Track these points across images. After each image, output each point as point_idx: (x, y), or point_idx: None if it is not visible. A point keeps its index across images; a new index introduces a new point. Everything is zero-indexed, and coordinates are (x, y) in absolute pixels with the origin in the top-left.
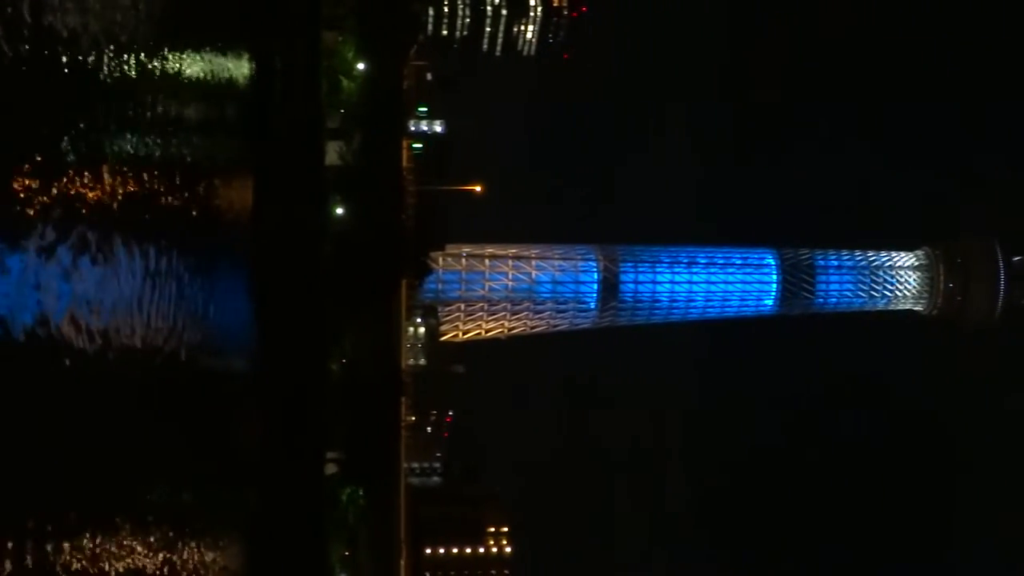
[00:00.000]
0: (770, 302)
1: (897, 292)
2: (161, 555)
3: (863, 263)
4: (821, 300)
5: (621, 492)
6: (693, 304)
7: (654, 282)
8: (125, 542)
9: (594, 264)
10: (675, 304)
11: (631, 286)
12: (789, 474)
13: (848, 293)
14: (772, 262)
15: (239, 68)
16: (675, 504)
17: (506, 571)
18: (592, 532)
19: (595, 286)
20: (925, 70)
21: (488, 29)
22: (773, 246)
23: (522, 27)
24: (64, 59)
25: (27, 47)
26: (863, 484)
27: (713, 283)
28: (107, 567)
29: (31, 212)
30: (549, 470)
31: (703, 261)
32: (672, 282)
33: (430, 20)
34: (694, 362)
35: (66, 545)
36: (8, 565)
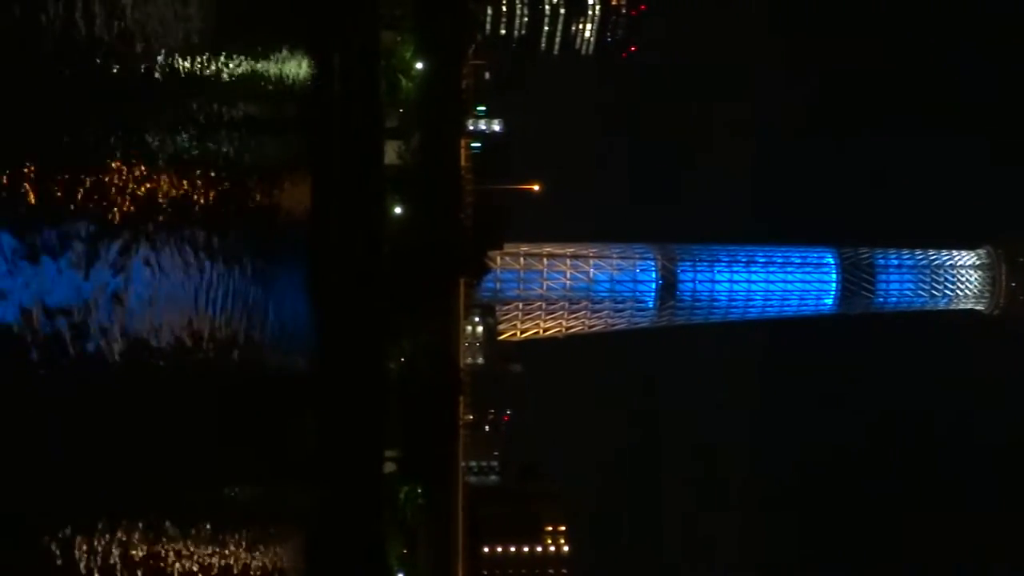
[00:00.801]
0: (829, 301)
1: (958, 291)
2: (224, 553)
3: (924, 262)
4: (881, 299)
5: (679, 491)
6: (752, 303)
7: (712, 281)
8: (188, 539)
9: (652, 263)
10: (733, 303)
11: (689, 285)
12: (851, 474)
13: (908, 292)
14: (831, 261)
15: (298, 68)
16: (734, 504)
17: (564, 570)
18: (650, 532)
19: (653, 285)
20: (988, 66)
21: (546, 28)
22: (833, 245)
23: (580, 26)
24: (127, 62)
25: (95, 50)
26: (929, 485)
27: (772, 282)
28: (173, 563)
29: (98, 212)
30: (607, 469)
31: (762, 260)
32: (730, 281)
33: (488, 19)
34: (753, 362)
35: (134, 541)
36: (83, 561)
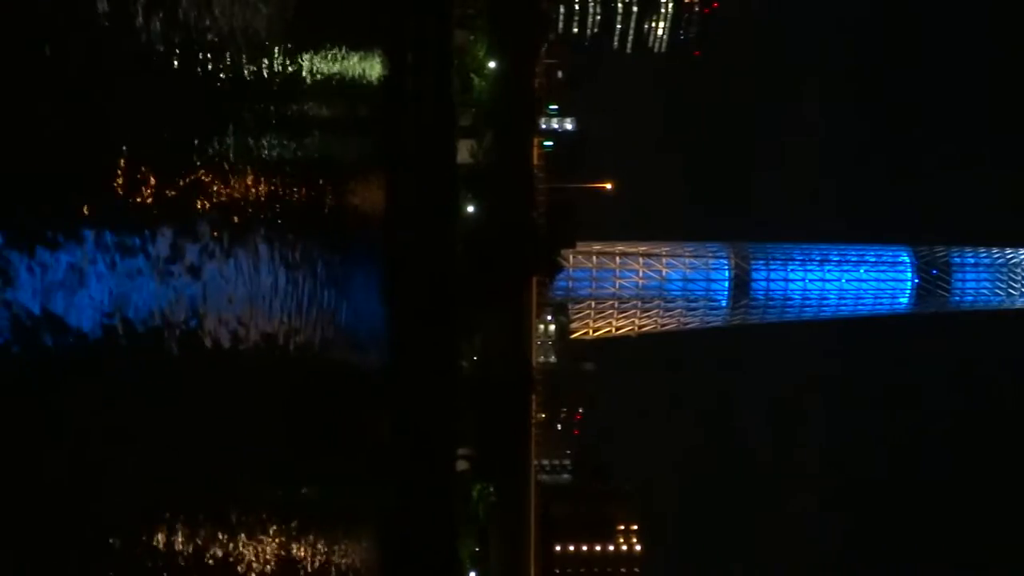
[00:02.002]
0: (904, 300)
1: None
2: (300, 550)
3: (1000, 260)
4: (957, 298)
5: (752, 491)
6: (825, 302)
7: (786, 280)
8: (264, 535)
9: (725, 262)
10: (807, 302)
11: (763, 284)
12: (924, 474)
13: (985, 291)
14: (907, 260)
15: (372, 68)
16: (806, 503)
17: (636, 569)
18: (723, 531)
19: (726, 284)
20: None
21: (619, 26)
22: (908, 243)
23: (653, 24)
24: (204, 62)
25: (170, 51)
26: (1004, 486)
27: (846, 281)
28: (250, 560)
29: (179, 211)
30: (679, 468)
31: (836, 258)
32: (804, 280)
33: (561, 18)
34: (826, 362)
35: (212, 538)
36: (160, 558)
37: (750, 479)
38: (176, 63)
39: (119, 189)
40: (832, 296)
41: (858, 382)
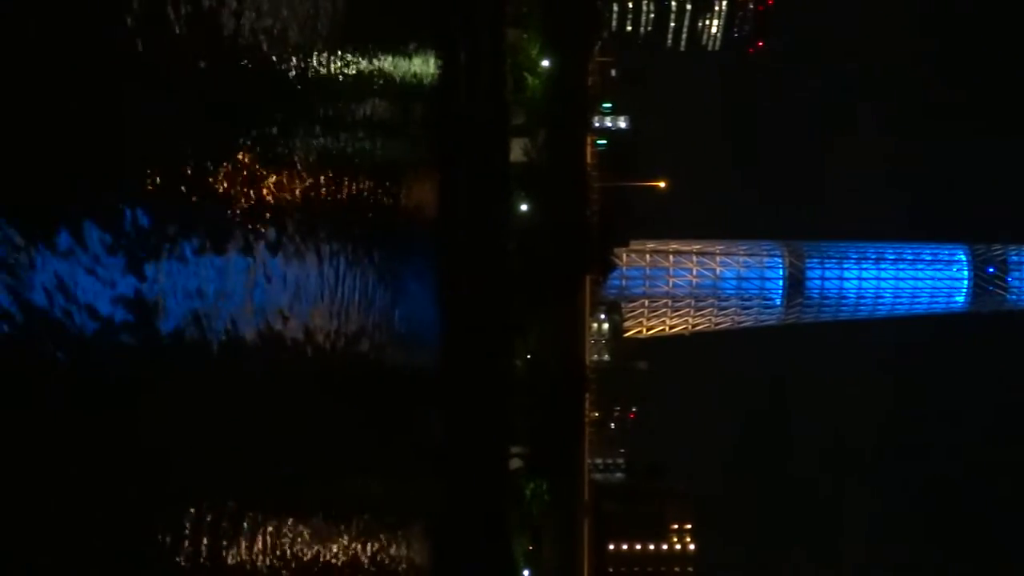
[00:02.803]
0: (961, 299)
1: None
2: (353, 547)
3: None
4: (1015, 297)
5: (805, 490)
6: (881, 301)
7: (841, 278)
8: (317, 531)
9: (780, 260)
10: (862, 301)
11: (817, 282)
12: (981, 475)
13: None
14: (963, 258)
15: (425, 67)
16: (860, 503)
17: (689, 568)
18: (775, 530)
19: (780, 282)
20: None
21: (672, 24)
22: (964, 241)
23: (707, 21)
24: (256, 61)
25: (223, 51)
26: None
27: (902, 279)
28: (303, 556)
29: (229, 210)
30: (733, 467)
31: (891, 257)
32: (859, 279)
33: (614, 16)
34: (881, 361)
35: (263, 533)
36: (207, 551)
37: (803, 478)
38: (234, 62)
39: (178, 187)
40: (887, 295)
41: (914, 381)
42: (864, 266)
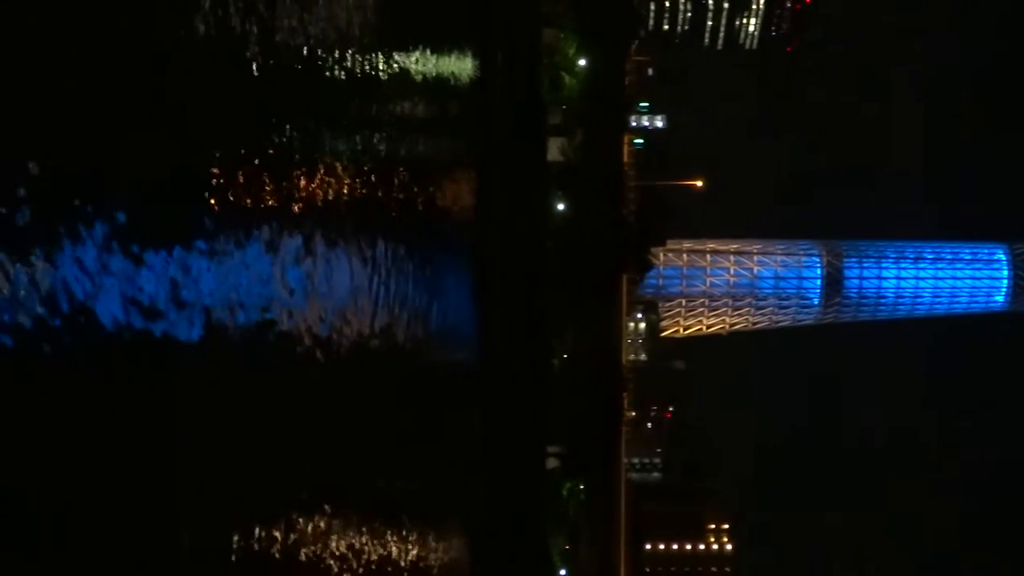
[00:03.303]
0: (1000, 298)
1: None
2: (390, 546)
3: None
4: None
5: (842, 490)
6: (919, 300)
7: (879, 277)
8: (355, 531)
9: (817, 259)
10: (900, 300)
11: (855, 282)
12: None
13: None
14: (1003, 257)
15: (463, 67)
16: (898, 503)
17: (727, 568)
18: (812, 531)
19: (818, 282)
20: None
21: (709, 23)
22: (1004, 240)
23: (744, 20)
24: (296, 62)
25: (263, 51)
26: None
27: (940, 279)
28: (340, 555)
29: (267, 209)
30: (769, 467)
31: (930, 256)
32: (898, 277)
33: (651, 15)
34: (919, 360)
35: (305, 532)
36: (252, 547)
37: (840, 478)
38: (275, 63)
39: (225, 190)
40: (926, 294)
41: (951, 382)
42: (903, 265)
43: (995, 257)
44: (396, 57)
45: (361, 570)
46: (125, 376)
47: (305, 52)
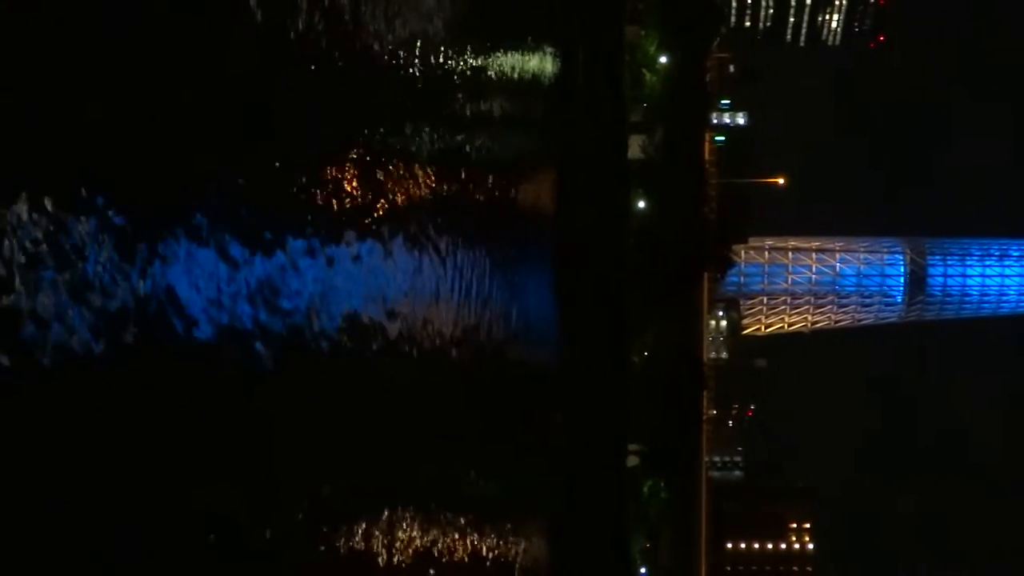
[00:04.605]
0: None
1: None
2: (471, 543)
3: None
4: None
5: (926, 490)
6: (1005, 298)
7: (964, 275)
8: (436, 530)
9: (900, 257)
10: (985, 298)
11: (940, 279)
12: None
13: None
14: None
15: (543, 64)
16: (984, 503)
17: (808, 568)
18: (894, 530)
19: (901, 279)
20: None
21: (792, 19)
22: None
23: (827, 16)
24: (375, 61)
25: (341, 50)
26: None
27: None
28: (422, 553)
29: (344, 209)
30: (851, 465)
31: (1016, 253)
32: (982, 275)
33: (733, 11)
34: (1005, 359)
35: (383, 531)
36: (344, 545)
37: (923, 477)
38: (352, 61)
39: (304, 190)
40: (1011, 292)
41: None
42: (987, 262)
43: None
44: (478, 55)
45: (447, 567)
46: (224, 375)
47: (390, 52)
